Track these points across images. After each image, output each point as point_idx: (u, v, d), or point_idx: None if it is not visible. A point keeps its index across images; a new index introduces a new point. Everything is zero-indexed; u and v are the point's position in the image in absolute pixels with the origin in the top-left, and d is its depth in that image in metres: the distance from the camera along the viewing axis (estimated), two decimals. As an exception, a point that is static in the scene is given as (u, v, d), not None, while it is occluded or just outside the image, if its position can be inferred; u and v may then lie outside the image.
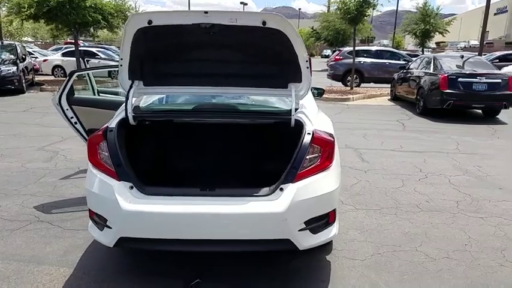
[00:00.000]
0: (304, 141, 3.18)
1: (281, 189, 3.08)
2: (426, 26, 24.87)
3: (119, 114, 3.50)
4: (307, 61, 3.36)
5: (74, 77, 5.03)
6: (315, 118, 3.49)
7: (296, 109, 3.47)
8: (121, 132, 3.34)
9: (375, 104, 14.90)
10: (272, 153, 4.16)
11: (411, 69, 14.05)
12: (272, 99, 3.79)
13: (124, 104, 3.52)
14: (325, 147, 3.22)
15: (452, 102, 11.06)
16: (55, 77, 22.18)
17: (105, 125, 3.44)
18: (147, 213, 3.02)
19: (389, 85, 16.29)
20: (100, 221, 3.22)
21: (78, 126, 5.23)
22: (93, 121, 5.20)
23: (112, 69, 5.81)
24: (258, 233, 3.07)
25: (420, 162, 7.16)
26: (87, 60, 17.70)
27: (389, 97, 16.03)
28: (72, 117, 5.18)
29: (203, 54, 3.56)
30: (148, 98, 3.76)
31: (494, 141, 9.00)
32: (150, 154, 4.16)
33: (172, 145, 4.38)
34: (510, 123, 11.25)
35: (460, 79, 11.11)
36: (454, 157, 7.57)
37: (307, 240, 3.16)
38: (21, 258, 3.83)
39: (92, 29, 21.14)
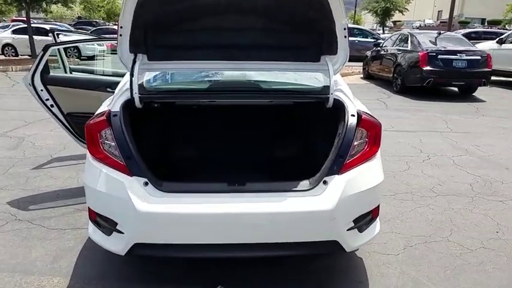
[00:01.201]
0: (349, 124, 2.71)
1: (325, 183, 2.61)
2: (387, 4, 24.78)
3: (121, 95, 2.89)
4: (345, 29, 2.86)
5: (50, 52, 4.29)
6: (353, 97, 3.01)
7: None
8: (126, 116, 2.74)
9: (348, 83, 14.58)
10: (300, 139, 3.65)
11: (385, 46, 13.81)
12: (302, 75, 3.27)
13: (125, 83, 2.91)
14: (372, 131, 2.77)
15: (433, 80, 10.90)
16: (5, 56, 20.56)
17: (105, 109, 2.82)
18: (167, 214, 2.49)
19: (359, 63, 16.03)
20: (107, 225, 2.65)
21: (55, 109, 4.52)
22: (72, 104, 4.51)
23: (98, 41, 5.07)
24: (300, 235, 2.60)
25: (417, 142, 6.88)
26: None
27: (362, 75, 15.80)
28: (47, 99, 4.46)
29: (219, 21, 2.98)
30: (153, 75, 3.14)
31: (481, 119, 8.89)
32: (159, 143, 3.56)
33: (184, 131, 3.79)
34: (488, 100, 11.24)
35: (440, 56, 10.95)
36: (449, 136, 7.35)
37: (355, 241, 2.73)
38: (4, 268, 3.20)
39: (44, 4, 19.66)
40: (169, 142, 3.72)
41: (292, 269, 3.25)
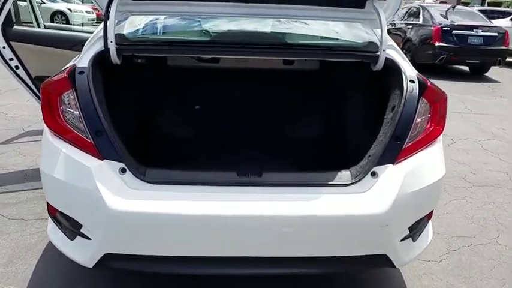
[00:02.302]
0: (409, 93, 1.97)
1: (373, 175, 1.88)
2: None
3: (92, 47, 2.13)
4: None
5: (13, -1, 3.45)
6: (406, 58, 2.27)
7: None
8: (97, 75, 1.97)
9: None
10: (331, 114, 2.88)
11: (393, 20, 12.93)
12: (337, 26, 2.48)
13: (100, 30, 2.12)
14: (436, 104, 2.04)
15: (446, 57, 10.10)
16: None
17: (69, 64, 2.04)
18: (152, 215, 1.76)
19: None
20: (69, 226, 1.91)
21: (20, 72, 3.70)
22: (42, 65, 3.69)
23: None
24: (336, 248, 1.90)
25: (437, 123, 6.13)
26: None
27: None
28: (11, 59, 3.64)
29: None
30: (138, 22, 2.33)
31: (499, 100, 8.20)
32: (143, 114, 2.77)
33: (177, 100, 3.01)
34: (502, 81, 10.51)
35: (454, 31, 10.13)
36: (470, 118, 6.66)
37: (407, 253, 2.03)
38: None
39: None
40: (157, 114, 2.92)
41: (312, 284, 2.54)
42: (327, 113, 2.97)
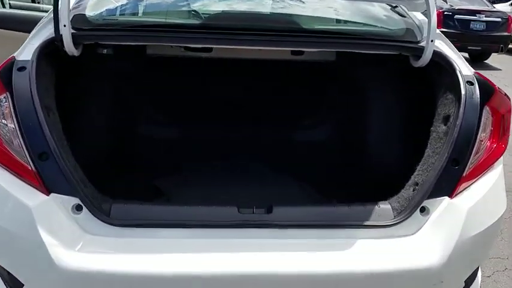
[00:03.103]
0: (468, 99, 1.47)
1: (423, 210, 1.38)
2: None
3: (39, 32, 1.58)
4: None
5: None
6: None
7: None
8: (46, 73, 1.43)
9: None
10: (354, 123, 2.37)
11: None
12: (364, 7, 1.93)
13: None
14: (498, 114, 1.54)
15: (447, 43, 9.57)
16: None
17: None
18: (122, 277, 1.22)
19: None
20: (10, 282, 1.40)
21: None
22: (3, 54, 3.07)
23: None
24: None
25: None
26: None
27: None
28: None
29: None
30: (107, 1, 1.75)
31: (507, 90, 7.70)
32: (114, 122, 2.19)
33: (160, 100, 2.45)
34: (504, 69, 10.06)
35: (456, 16, 9.60)
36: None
37: None
38: None
39: None
40: (132, 120, 2.36)
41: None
42: (347, 117, 2.44)
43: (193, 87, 2.47)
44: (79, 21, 1.56)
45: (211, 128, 2.46)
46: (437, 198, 1.43)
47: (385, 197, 1.57)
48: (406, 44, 1.67)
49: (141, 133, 2.41)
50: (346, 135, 2.40)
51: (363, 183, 1.93)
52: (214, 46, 1.85)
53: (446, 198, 1.43)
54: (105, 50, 1.78)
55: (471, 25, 9.72)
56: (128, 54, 1.99)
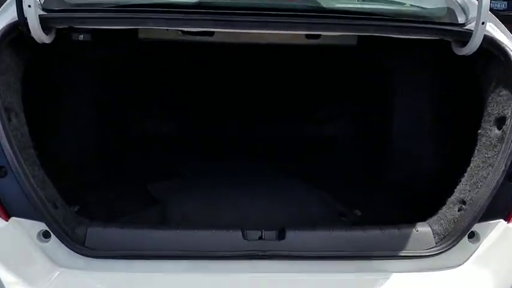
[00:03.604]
0: None
1: (472, 236, 1.12)
2: None
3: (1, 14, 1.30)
4: None
5: None
6: None
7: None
8: (8, 65, 1.22)
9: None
10: (377, 112, 2.07)
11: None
12: None
13: None
14: None
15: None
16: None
17: None
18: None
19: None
20: None
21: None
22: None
23: None
24: None
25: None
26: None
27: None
28: None
29: None
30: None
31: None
32: (97, 122, 1.90)
33: (153, 93, 2.18)
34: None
35: (475, -7, 9.11)
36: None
37: None
38: None
39: None
40: (117, 120, 2.09)
41: None
42: (368, 111, 2.14)
43: (192, 76, 2.19)
44: (50, 1, 1.28)
45: (212, 123, 2.19)
46: (491, 222, 1.16)
47: (420, 213, 1.30)
48: (448, 27, 1.37)
49: (132, 130, 2.14)
50: (368, 131, 2.10)
51: (391, 192, 1.66)
52: (215, 30, 1.55)
53: (502, 221, 1.16)
54: (82, 36, 1.49)
55: (491, 4, 9.22)
56: (115, 39, 1.70)
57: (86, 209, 1.59)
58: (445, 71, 1.68)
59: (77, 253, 1.07)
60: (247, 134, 2.14)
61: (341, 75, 2.23)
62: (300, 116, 2.28)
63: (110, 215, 1.55)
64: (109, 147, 1.91)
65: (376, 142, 1.97)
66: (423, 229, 1.19)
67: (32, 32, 1.22)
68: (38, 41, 1.27)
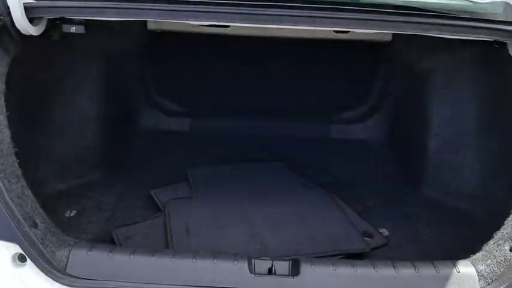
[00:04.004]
0: None
1: None
2: None
3: None
4: None
5: None
6: None
7: None
8: None
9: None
10: (411, 115, 1.86)
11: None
12: None
13: None
14: None
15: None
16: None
17: None
18: None
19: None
20: None
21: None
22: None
23: None
24: None
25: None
26: None
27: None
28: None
29: None
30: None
31: None
32: (100, 118, 1.75)
33: (161, 89, 2.04)
34: None
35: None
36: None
37: None
38: None
39: None
40: (123, 115, 1.93)
41: None
42: (400, 114, 1.92)
43: (206, 70, 2.01)
44: None
45: (226, 121, 2.02)
46: None
47: (459, 241, 1.11)
48: (505, 27, 1.14)
49: (138, 127, 1.98)
50: (401, 138, 1.88)
51: (425, 210, 1.48)
52: (230, 24, 1.37)
53: None
54: (74, 28, 1.32)
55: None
56: (123, 30, 1.54)
57: (83, 214, 1.48)
58: (492, 74, 1.46)
59: (56, 282, 0.93)
60: (263, 134, 1.96)
61: (372, 73, 2.02)
62: (325, 115, 2.08)
63: (105, 224, 1.42)
64: (115, 145, 1.77)
65: (411, 151, 1.75)
66: (466, 270, 0.99)
67: (15, 22, 1.07)
68: (23, 33, 1.12)
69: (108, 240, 1.37)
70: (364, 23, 1.12)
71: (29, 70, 1.29)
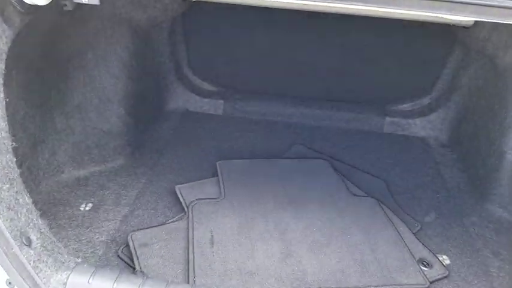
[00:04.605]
0: None
1: None
2: None
3: None
4: None
5: None
6: None
7: None
8: None
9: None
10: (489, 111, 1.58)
11: None
12: None
13: None
14: None
15: None
16: None
17: None
18: None
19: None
20: None
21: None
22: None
23: None
24: None
25: None
26: None
27: None
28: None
29: None
30: None
31: None
32: (120, 107, 1.56)
33: (196, 65, 1.84)
34: None
35: None
36: None
37: None
38: None
39: None
40: (150, 94, 1.74)
41: None
42: (474, 114, 1.63)
43: (245, 47, 1.77)
44: None
45: (263, 105, 1.79)
46: None
47: None
48: None
49: (166, 108, 1.78)
50: (470, 139, 1.60)
51: (495, 231, 1.24)
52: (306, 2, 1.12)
53: None
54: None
55: None
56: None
57: (99, 209, 1.32)
58: None
59: None
60: (306, 123, 1.72)
61: (442, 60, 1.72)
62: (378, 105, 1.82)
63: (123, 223, 1.25)
64: (140, 129, 1.58)
65: (480, 157, 1.48)
66: None
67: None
68: (28, 3, 0.92)
69: (123, 243, 1.21)
70: (462, 7, 0.85)
71: (45, 42, 1.10)
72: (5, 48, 0.93)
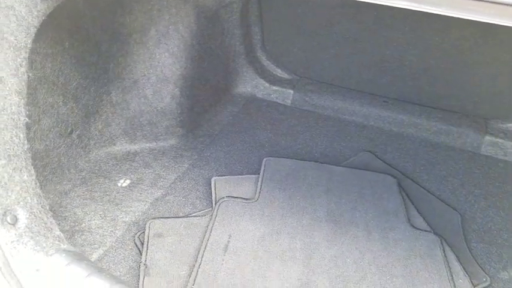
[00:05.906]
0: None
1: None
2: None
3: None
4: None
5: None
6: None
7: None
8: None
9: None
10: None
11: None
12: None
13: None
14: None
15: None
16: None
17: None
18: None
19: None
20: None
21: None
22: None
23: None
24: None
25: None
26: None
27: None
28: None
29: None
30: None
31: None
32: (176, 87, 1.49)
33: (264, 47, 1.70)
34: None
35: None
36: None
37: None
38: None
39: None
40: (200, 85, 1.60)
41: None
42: None
43: (323, 35, 1.56)
44: None
45: (336, 101, 1.57)
46: None
47: None
48: None
49: (231, 92, 1.66)
50: None
51: None
52: None
53: None
54: None
55: None
56: None
57: (135, 187, 1.28)
58: None
59: None
60: (381, 127, 1.48)
61: None
62: (476, 119, 1.49)
63: (152, 206, 1.19)
64: (197, 110, 1.50)
65: None
66: None
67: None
68: None
69: (142, 228, 1.16)
70: None
71: (105, 17, 1.06)
72: (35, 22, 0.89)
